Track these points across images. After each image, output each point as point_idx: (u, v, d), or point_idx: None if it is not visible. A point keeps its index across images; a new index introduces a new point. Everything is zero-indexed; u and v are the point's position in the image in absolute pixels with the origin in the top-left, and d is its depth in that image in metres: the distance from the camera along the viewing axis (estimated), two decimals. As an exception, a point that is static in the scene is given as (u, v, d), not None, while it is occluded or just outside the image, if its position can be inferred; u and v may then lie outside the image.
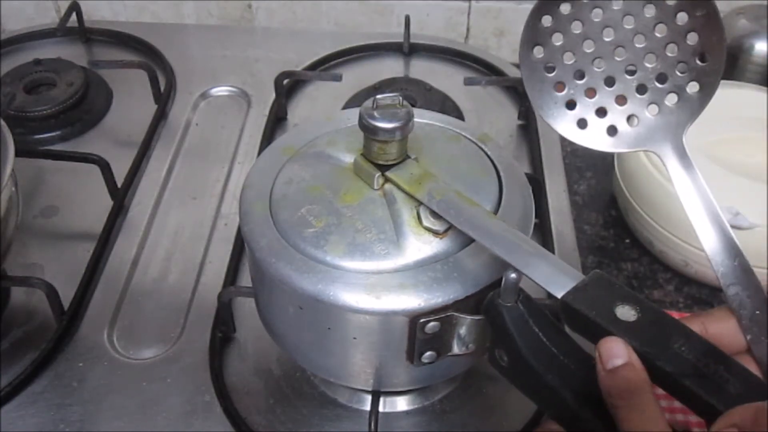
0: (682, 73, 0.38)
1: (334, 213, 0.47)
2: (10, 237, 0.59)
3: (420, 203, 0.46)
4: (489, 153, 0.51)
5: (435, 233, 0.45)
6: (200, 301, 0.64)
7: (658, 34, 0.38)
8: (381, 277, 0.44)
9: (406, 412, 0.57)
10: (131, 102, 0.84)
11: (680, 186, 0.40)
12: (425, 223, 0.45)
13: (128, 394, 0.58)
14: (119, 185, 0.72)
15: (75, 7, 0.90)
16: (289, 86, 0.84)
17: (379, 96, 0.46)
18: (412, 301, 0.42)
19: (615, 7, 0.38)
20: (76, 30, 0.91)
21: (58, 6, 0.96)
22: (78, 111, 0.82)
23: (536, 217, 0.50)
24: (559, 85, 0.41)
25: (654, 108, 0.39)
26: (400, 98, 0.46)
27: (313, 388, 0.59)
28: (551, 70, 0.41)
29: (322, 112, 0.83)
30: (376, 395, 0.54)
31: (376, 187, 0.47)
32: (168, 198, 0.74)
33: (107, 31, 0.92)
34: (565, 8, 0.39)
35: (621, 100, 0.40)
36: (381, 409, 0.55)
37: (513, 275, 0.40)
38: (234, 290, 0.60)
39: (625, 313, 0.37)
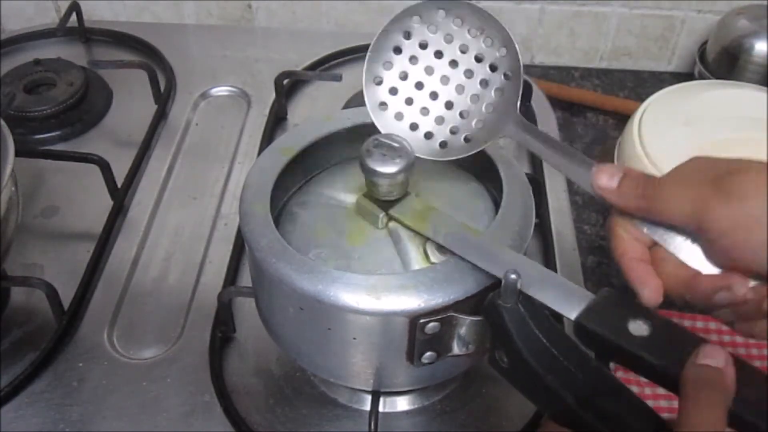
0: (494, 71, 0.45)
1: (342, 256, 0.47)
2: (10, 237, 0.59)
3: (426, 239, 0.46)
4: (489, 153, 0.51)
5: None
6: (200, 301, 0.64)
7: (462, 54, 0.46)
8: (381, 278, 0.44)
9: (406, 412, 0.57)
10: (131, 102, 0.84)
11: (539, 150, 0.45)
12: (433, 259, 0.46)
13: (128, 394, 0.58)
14: (119, 185, 0.72)
15: (75, 7, 0.90)
16: (289, 86, 0.84)
17: (379, 137, 0.47)
18: (412, 301, 0.42)
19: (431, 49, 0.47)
20: (76, 30, 0.91)
21: (58, 6, 0.96)
22: (78, 111, 0.82)
23: (536, 217, 0.50)
24: (414, 126, 0.48)
25: (489, 107, 0.46)
26: (402, 140, 0.46)
27: (313, 388, 0.59)
28: (401, 117, 0.48)
29: (322, 112, 0.83)
30: (376, 395, 0.54)
31: (380, 227, 0.48)
32: (168, 198, 0.74)
33: (107, 31, 0.92)
34: (391, 75, 0.47)
35: (464, 114, 0.47)
36: (381, 409, 0.55)
37: (513, 276, 0.40)
38: (234, 290, 0.60)
39: (638, 328, 0.38)
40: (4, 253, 0.59)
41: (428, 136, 0.47)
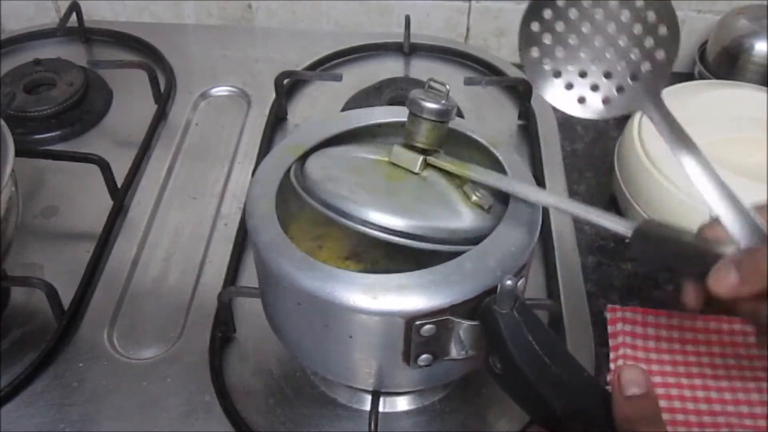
0: (649, 45, 0.45)
1: (385, 188, 0.48)
2: (10, 237, 0.59)
3: (464, 183, 0.48)
4: (500, 157, 0.51)
5: (482, 208, 0.47)
6: (200, 301, 0.64)
7: (624, 19, 0.45)
8: (379, 277, 0.44)
9: (406, 412, 0.57)
10: (131, 102, 0.84)
11: (670, 142, 0.45)
12: (474, 198, 0.48)
13: (128, 394, 0.58)
14: (119, 185, 0.72)
15: (75, 7, 0.90)
16: (289, 86, 0.84)
17: (427, 85, 0.49)
18: (408, 302, 0.42)
19: (587, 6, 0.46)
20: (76, 30, 0.91)
21: (58, 6, 0.96)
22: (78, 111, 0.82)
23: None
24: (557, 74, 0.47)
25: (634, 77, 0.46)
26: (447, 90, 0.48)
27: (313, 388, 0.59)
28: (547, 63, 0.47)
29: (322, 112, 0.83)
30: (376, 395, 0.54)
31: (418, 170, 0.49)
32: (168, 198, 0.74)
33: (107, 31, 0.93)
34: (548, 14, 0.47)
35: (607, 75, 0.46)
36: (381, 409, 0.55)
37: (509, 282, 0.40)
38: (234, 290, 0.60)
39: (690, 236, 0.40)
40: (4, 253, 0.59)
41: (569, 86, 0.47)
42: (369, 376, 0.48)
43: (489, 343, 0.42)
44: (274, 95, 0.82)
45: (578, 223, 0.72)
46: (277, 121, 0.82)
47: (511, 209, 0.47)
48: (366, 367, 0.48)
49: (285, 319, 0.50)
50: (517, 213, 0.47)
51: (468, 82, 0.81)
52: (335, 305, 0.43)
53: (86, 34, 0.92)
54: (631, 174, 0.68)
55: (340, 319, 0.45)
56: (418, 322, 0.43)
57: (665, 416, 0.57)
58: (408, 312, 0.43)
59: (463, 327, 0.44)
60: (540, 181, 0.73)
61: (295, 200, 0.50)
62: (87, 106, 0.82)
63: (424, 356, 0.45)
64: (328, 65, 0.89)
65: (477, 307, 0.43)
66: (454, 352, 0.45)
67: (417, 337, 0.44)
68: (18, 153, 0.57)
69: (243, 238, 0.68)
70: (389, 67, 0.88)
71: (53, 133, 0.80)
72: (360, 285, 0.43)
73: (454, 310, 0.43)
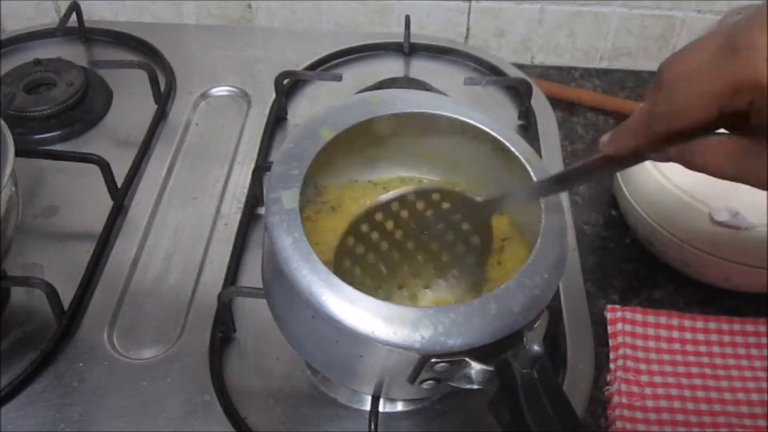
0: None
1: None
2: (10, 237, 0.59)
3: None
4: (533, 174, 0.49)
5: None
6: (200, 301, 0.64)
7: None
8: (401, 309, 0.42)
9: (406, 412, 0.57)
10: (131, 102, 0.84)
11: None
12: None
13: (128, 394, 0.58)
14: (119, 185, 0.72)
15: (75, 7, 0.90)
16: (289, 86, 0.84)
17: None
18: (427, 341, 0.41)
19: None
20: (76, 30, 0.91)
21: (58, 6, 0.96)
22: (78, 111, 0.82)
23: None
24: None
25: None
26: None
27: (313, 388, 0.59)
28: None
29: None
30: (376, 396, 0.54)
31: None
32: (168, 198, 0.74)
33: (107, 31, 0.92)
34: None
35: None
36: (381, 409, 0.55)
37: (536, 348, 0.39)
38: (234, 290, 0.60)
39: None
40: (4, 253, 0.59)
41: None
42: (370, 385, 0.48)
43: (501, 393, 0.41)
44: (274, 95, 0.82)
45: (578, 223, 0.73)
46: (277, 121, 0.82)
47: (540, 248, 0.45)
48: (369, 379, 0.47)
49: (295, 325, 0.49)
50: (544, 251, 0.45)
51: (468, 82, 0.81)
52: (352, 329, 0.42)
53: (86, 34, 0.92)
54: (631, 174, 0.68)
55: (354, 340, 0.43)
56: (433, 360, 0.42)
57: (665, 416, 0.57)
58: (425, 350, 0.41)
59: (477, 369, 0.43)
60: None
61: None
62: (87, 106, 0.82)
63: (429, 382, 0.45)
64: (328, 65, 0.88)
65: (494, 352, 0.42)
66: (461, 383, 0.45)
67: (428, 370, 0.43)
68: (18, 153, 0.57)
69: (243, 238, 0.68)
70: (389, 67, 0.88)
71: (53, 133, 0.79)
72: (381, 316, 0.41)
73: (470, 353, 0.42)
